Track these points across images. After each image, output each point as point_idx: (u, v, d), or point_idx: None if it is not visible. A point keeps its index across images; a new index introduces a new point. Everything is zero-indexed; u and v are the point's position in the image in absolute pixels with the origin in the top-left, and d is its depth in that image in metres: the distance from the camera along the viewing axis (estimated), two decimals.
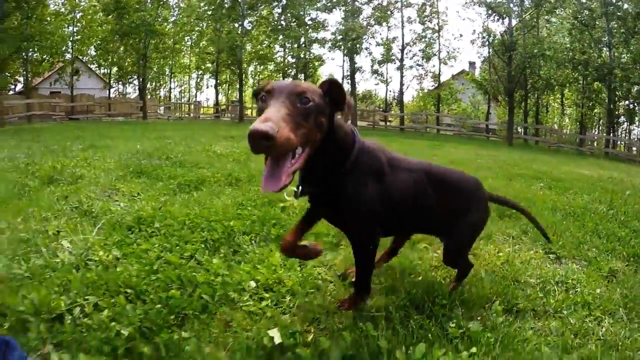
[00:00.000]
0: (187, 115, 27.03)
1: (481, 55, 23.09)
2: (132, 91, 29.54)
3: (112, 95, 26.96)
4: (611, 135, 20.59)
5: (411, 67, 24.01)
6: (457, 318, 1.51)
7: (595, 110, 23.37)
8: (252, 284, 1.70)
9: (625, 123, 23.66)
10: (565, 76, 20.73)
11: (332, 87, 1.18)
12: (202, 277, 1.69)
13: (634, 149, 21.12)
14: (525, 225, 2.83)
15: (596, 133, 25.79)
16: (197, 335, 1.35)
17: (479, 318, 1.55)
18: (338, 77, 23.21)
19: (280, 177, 0.98)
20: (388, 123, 25.72)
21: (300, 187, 1.26)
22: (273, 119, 0.93)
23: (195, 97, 35.77)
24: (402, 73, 23.69)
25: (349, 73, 22.55)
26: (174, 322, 1.42)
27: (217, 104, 28.47)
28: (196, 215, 2.52)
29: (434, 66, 24.31)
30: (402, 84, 23.87)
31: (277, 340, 1.25)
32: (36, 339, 1.24)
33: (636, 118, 22.01)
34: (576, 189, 4.84)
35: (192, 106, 29.94)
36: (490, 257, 2.25)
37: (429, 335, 1.40)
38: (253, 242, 2.23)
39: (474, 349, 1.31)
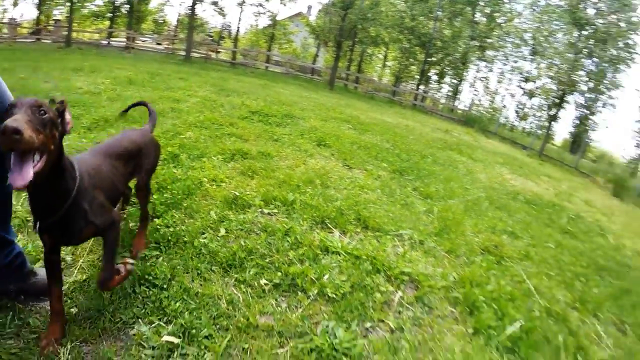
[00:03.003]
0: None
1: (320, 3, 26.04)
2: None
3: None
4: (421, 90, 26.41)
5: (252, 4, 25.48)
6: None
7: (412, 67, 29.21)
8: None
9: (435, 83, 30.64)
10: (391, 37, 25.38)
11: (64, 111, 1.40)
12: None
13: (440, 106, 27.60)
14: (334, 150, 4.78)
15: (409, 87, 32.00)
16: None
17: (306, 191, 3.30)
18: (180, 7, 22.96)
19: (28, 172, 1.17)
20: (218, 54, 26.53)
21: (37, 223, 1.40)
22: (19, 119, 1.13)
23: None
24: (242, 9, 25.00)
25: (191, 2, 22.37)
26: None
27: (38, 22, 24.08)
28: None
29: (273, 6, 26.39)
30: (239, 19, 25.14)
31: None
32: None
33: (444, 80, 28.95)
34: (374, 131, 7.25)
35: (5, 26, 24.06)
36: (315, 166, 4.08)
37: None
38: None
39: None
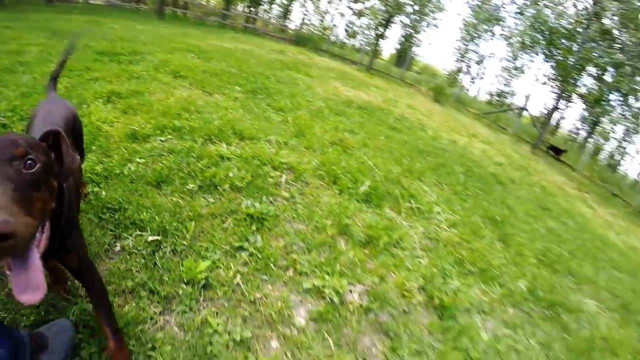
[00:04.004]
0: None
1: None
2: None
3: None
4: (251, 11, 26.30)
5: None
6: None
7: None
8: None
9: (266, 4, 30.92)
10: None
11: (57, 141, 1.11)
12: None
13: (271, 27, 27.93)
14: (190, 80, 5.21)
15: (239, 9, 31.51)
16: None
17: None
18: None
19: (38, 276, 0.87)
20: None
21: None
22: (2, 204, 0.78)
23: None
24: None
25: None
26: None
27: None
28: None
29: None
30: None
31: None
32: None
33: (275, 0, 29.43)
34: (218, 58, 7.68)
35: None
36: (182, 96, 4.51)
37: None
38: None
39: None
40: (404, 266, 2.51)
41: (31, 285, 0.87)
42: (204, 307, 1.71)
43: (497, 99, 37.09)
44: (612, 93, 15.98)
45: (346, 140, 4.40)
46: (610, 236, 7.36)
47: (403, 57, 35.12)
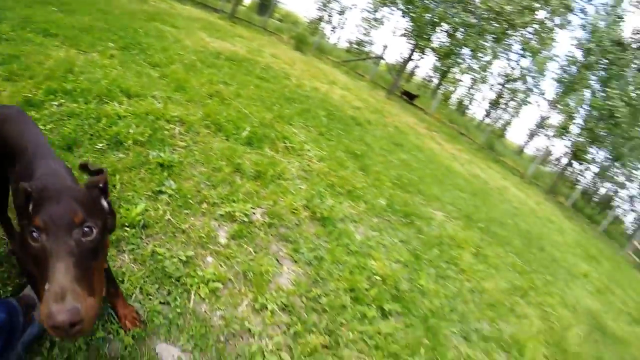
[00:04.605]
0: None
1: None
2: None
3: None
4: None
5: None
6: None
7: None
8: None
9: None
10: None
11: (105, 184, 1.14)
12: None
13: None
14: (63, 38, 5.01)
15: None
16: None
17: None
18: None
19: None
20: None
21: None
22: (68, 287, 0.83)
23: None
24: None
25: None
26: None
27: None
28: None
29: None
30: None
31: None
32: None
33: None
34: (81, 11, 7.21)
35: None
36: (59, 57, 4.38)
37: None
38: None
39: None
40: (289, 192, 3.22)
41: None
42: (148, 242, 2.17)
43: (356, 47, 39.08)
44: (461, 48, 18.26)
45: (222, 91, 4.82)
46: (455, 166, 8.97)
47: (265, 4, 34.85)
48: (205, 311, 1.91)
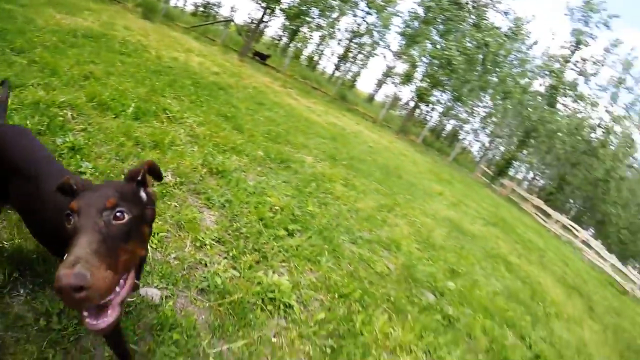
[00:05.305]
0: None
1: None
2: None
3: None
4: None
5: None
6: None
7: None
8: None
9: None
10: None
11: (150, 171, 1.26)
12: None
13: None
14: None
15: None
16: None
17: None
18: None
19: (106, 312, 0.96)
20: None
21: None
22: (83, 256, 0.88)
23: None
24: None
25: None
26: None
27: None
28: None
29: None
30: None
31: None
32: None
33: None
34: None
35: None
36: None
37: None
38: None
39: None
40: (186, 154, 3.90)
41: (100, 318, 0.96)
42: None
43: (203, 10, 38.03)
44: (310, 8, 19.30)
45: (94, 71, 5.06)
46: (313, 117, 10.15)
47: None
48: (161, 257, 2.53)
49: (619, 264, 19.58)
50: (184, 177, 3.45)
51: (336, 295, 2.99)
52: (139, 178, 1.23)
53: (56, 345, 1.71)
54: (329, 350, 2.42)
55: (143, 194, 1.24)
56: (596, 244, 21.36)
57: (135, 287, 1.52)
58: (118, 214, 1.03)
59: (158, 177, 1.30)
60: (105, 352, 1.80)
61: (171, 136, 4.09)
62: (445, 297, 3.92)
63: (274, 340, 2.30)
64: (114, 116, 4.04)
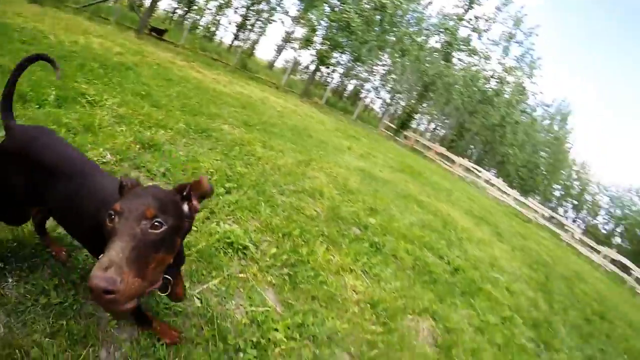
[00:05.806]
0: None
1: None
2: None
3: None
4: None
5: None
6: None
7: None
8: None
9: None
10: None
11: (195, 187, 1.35)
12: None
13: None
14: None
15: None
16: None
17: None
18: None
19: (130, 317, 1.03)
20: None
21: None
22: (116, 261, 0.96)
23: None
24: None
25: None
26: None
27: None
28: None
29: None
30: None
31: None
32: None
33: None
34: None
35: None
36: None
37: None
38: None
39: None
40: (116, 134, 4.21)
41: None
42: None
43: None
44: None
45: (2, 64, 4.92)
46: (220, 88, 10.52)
47: None
48: None
49: (521, 198, 22.29)
50: (122, 154, 3.77)
51: (280, 235, 3.62)
52: (184, 193, 1.35)
53: (62, 316, 1.86)
54: (287, 278, 3.05)
55: (185, 207, 1.33)
56: (498, 181, 24.04)
57: (178, 299, 1.98)
58: (156, 223, 1.11)
59: (204, 194, 1.38)
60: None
61: (98, 119, 4.31)
62: (369, 230, 4.75)
63: (241, 275, 2.84)
64: (37, 106, 4.15)
